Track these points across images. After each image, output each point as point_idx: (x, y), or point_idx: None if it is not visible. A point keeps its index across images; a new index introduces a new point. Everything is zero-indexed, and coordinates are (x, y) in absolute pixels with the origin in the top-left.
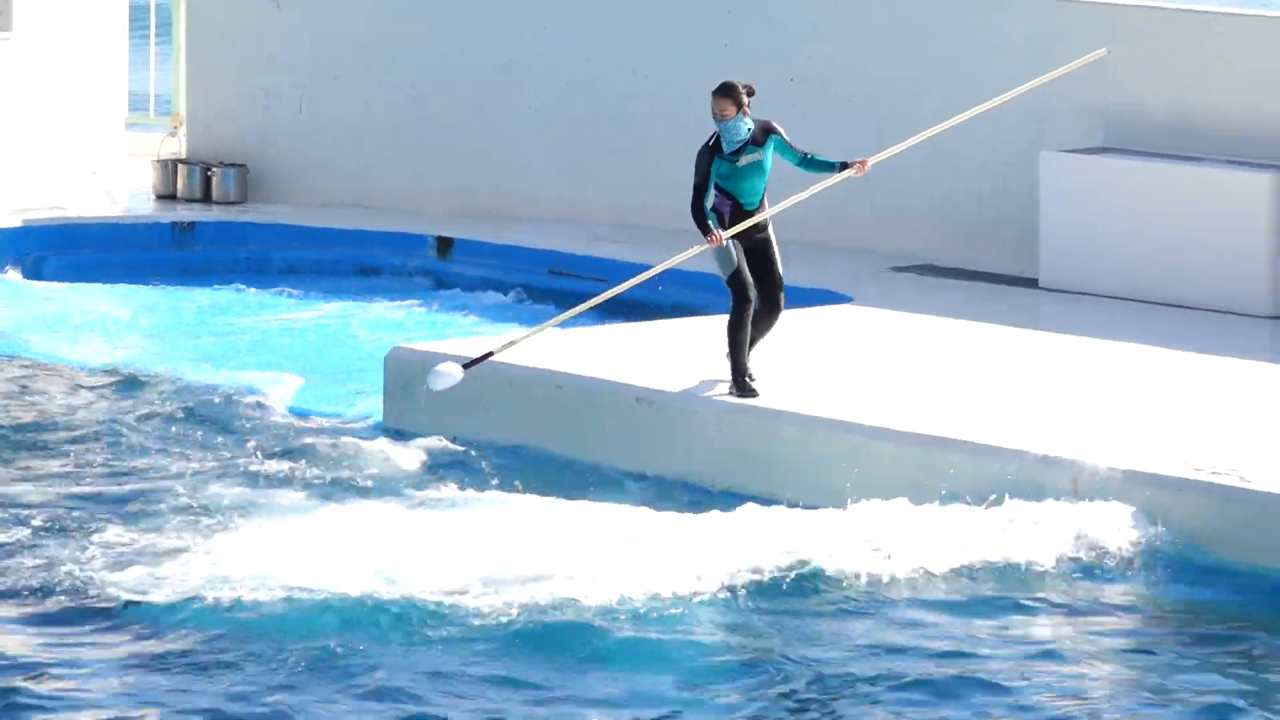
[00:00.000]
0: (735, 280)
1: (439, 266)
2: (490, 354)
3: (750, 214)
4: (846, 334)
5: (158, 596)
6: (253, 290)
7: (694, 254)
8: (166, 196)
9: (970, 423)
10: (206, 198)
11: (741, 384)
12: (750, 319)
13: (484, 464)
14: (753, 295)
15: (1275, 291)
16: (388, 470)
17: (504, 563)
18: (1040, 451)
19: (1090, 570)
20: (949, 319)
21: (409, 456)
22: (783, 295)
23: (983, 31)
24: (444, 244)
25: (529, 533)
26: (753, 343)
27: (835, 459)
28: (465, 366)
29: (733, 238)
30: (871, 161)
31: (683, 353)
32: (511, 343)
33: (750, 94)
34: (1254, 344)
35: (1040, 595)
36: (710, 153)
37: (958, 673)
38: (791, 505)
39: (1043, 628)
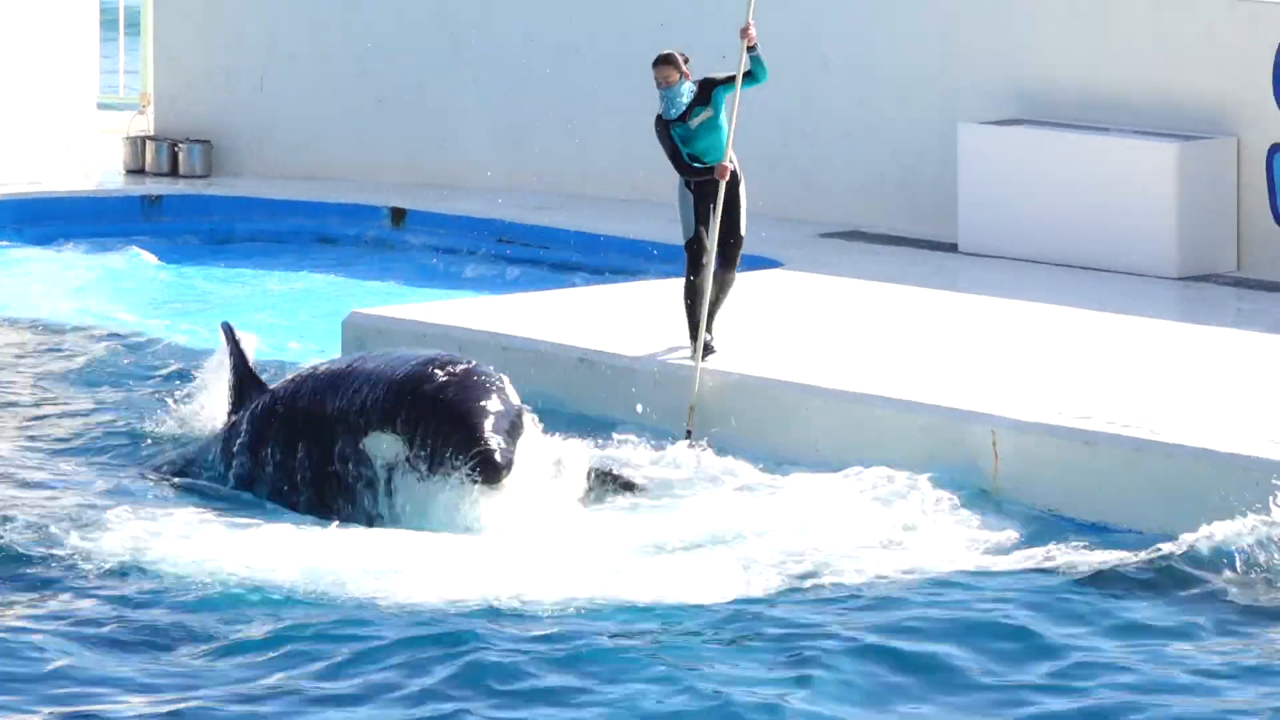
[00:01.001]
0: (691, 245)
1: (393, 235)
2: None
3: (721, 165)
4: (778, 298)
5: (112, 562)
6: (217, 260)
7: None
8: (136, 171)
9: (896, 380)
10: (174, 172)
11: (697, 345)
12: (705, 283)
13: None
14: (707, 262)
15: (1182, 254)
16: None
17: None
18: (963, 407)
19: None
20: (875, 282)
21: None
22: (739, 253)
23: (887, 7)
24: (397, 214)
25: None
26: (715, 304)
27: (765, 415)
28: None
29: (696, 199)
30: (751, 26)
31: (626, 315)
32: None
33: (686, 60)
34: (1163, 304)
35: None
36: (663, 122)
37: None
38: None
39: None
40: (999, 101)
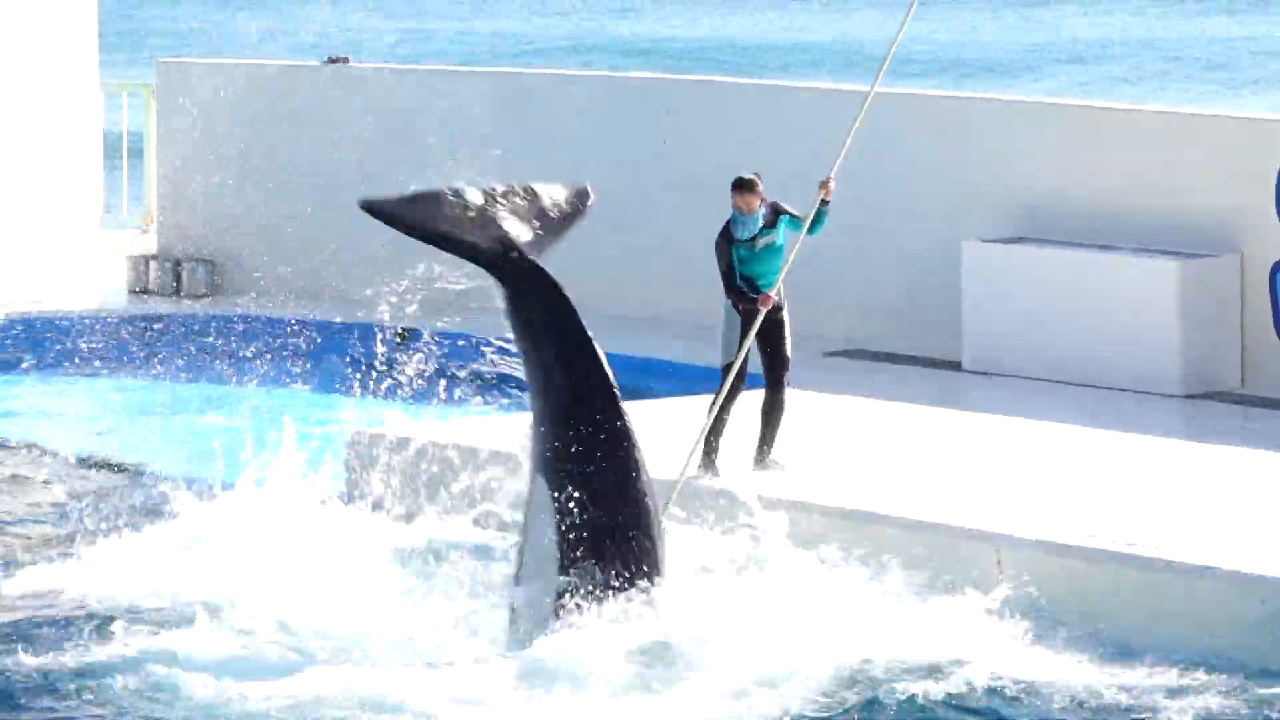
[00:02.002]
0: (728, 368)
1: (400, 354)
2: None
3: (766, 294)
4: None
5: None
6: (222, 379)
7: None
8: (139, 291)
9: (901, 499)
10: (177, 291)
11: (707, 457)
12: (726, 404)
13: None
14: (732, 386)
15: (1186, 372)
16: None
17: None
18: (967, 526)
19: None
20: (878, 400)
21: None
22: (785, 375)
23: (891, 127)
24: (405, 333)
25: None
26: (771, 427)
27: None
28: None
29: (743, 322)
30: (831, 181)
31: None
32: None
33: (760, 185)
34: (1167, 422)
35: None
36: (727, 243)
37: None
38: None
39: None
40: (1003, 219)
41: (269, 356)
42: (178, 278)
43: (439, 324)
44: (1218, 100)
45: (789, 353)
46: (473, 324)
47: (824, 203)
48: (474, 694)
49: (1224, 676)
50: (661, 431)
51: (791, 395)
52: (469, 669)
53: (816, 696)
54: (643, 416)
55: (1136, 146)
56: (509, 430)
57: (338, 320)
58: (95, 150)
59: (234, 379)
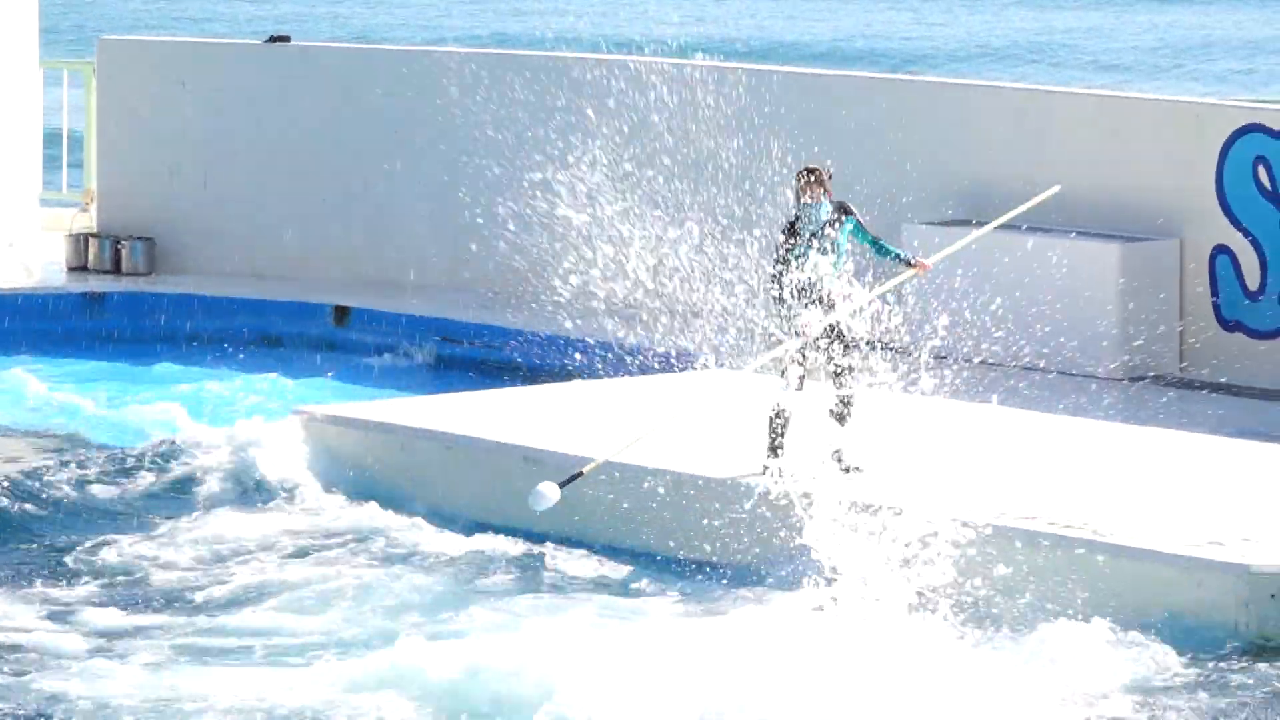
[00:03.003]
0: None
1: (336, 333)
2: (581, 473)
3: (827, 295)
4: (716, 396)
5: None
6: (160, 358)
7: (900, 282)
8: (78, 269)
9: (838, 479)
10: (116, 270)
11: (770, 461)
12: (785, 409)
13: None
14: (787, 397)
15: (1125, 355)
16: (287, 524)
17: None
18: (901, 504)
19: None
20: (813, 382)
21: (308, 511)
22: (850, 376)
23: (832, 109)
24: (341, 312)
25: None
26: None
27: (705, 515)
28: (561, 485)
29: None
30: (930, 262)
31: (572, 414)
32: (597, 463)
33: (830, 176)
34: (1105, 405)
35: None
36: (791, 234)
37: None
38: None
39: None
40: (943, 202)
41: (209, 335)
42: (117, 256)
43: (385, 304)
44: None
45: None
46: (414, 305)
47: (909, 264)
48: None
49: (1163, 657)
50: (600, 411)
51: (722, 375)
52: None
53: None
54: (583, 396)
55: (1077, 130)
56: (448, 410)
57: (278, 299)
58: (35, 128)
59: (173, 358)
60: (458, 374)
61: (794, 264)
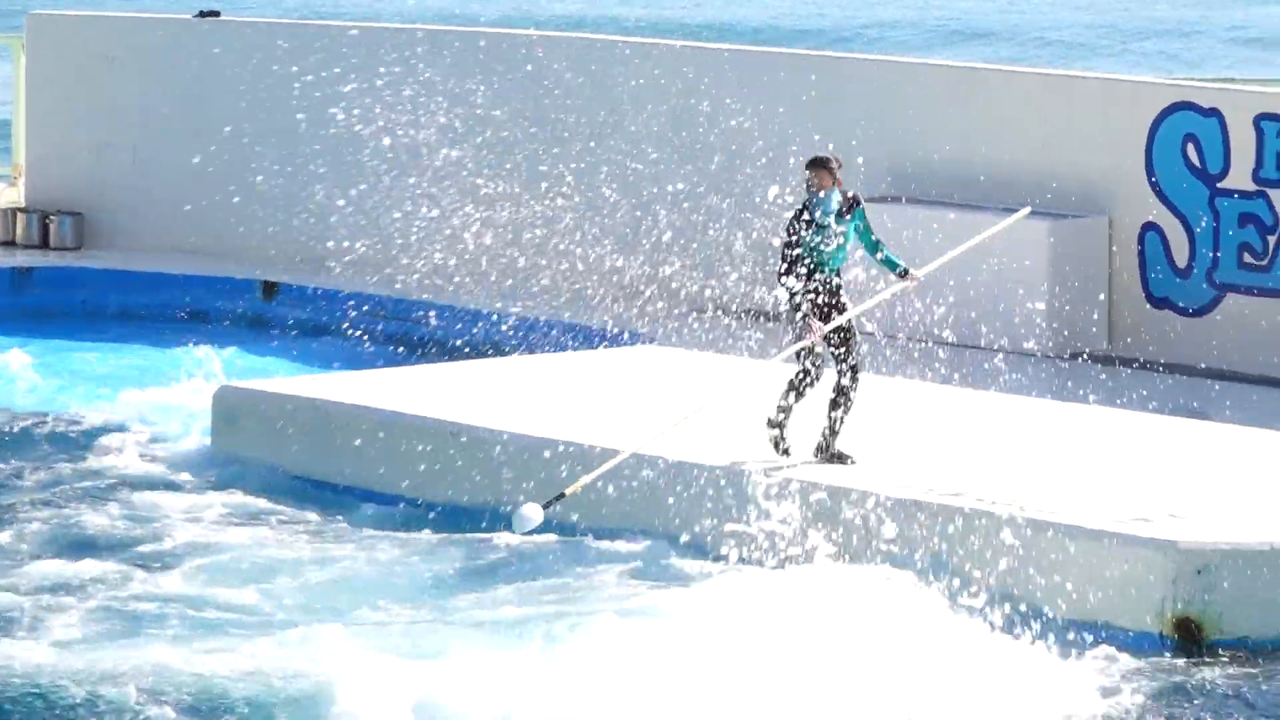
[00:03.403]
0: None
1: (265, 308)
2: (564, 494)
3: (832, 284)
4: (646, 372)
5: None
6: (88, 333)
7: (794, 348)
8: (5, 243)
9: (769, 455)
10: (44, 244)
11: (777, 444)
12: (798, 394)
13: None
14: (810, 379)
15: (1054, 332)
16: (215, 500)
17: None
18: (840, 484)
19: None
20: (746, 357)
21: (235, 488)
22: (858, 366)
23: (765, 87)
24: (269, 287)
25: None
26: (846, 411)
27: (635, 490)
28: (544, 507)
29: (815, 309)
30: (921, 275)
31: (499, 388)
32: (581, 483)
33: (839, 165)
34: (1034, 381)
35: None
36: (802, 223)
37: None
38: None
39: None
40: (876, 179)
41: (137, 310)
42: (45, 230)
43: (312, 280)
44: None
45: (857, 347)
46: (343, 280)
47: (904, 274)
48: None
49: (1089, 634)
50: (526, 387)
51: (656, 351)
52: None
53: None
54: (509, 372)
55: (1009, 108)
56: (376, 385)
57: (206, 274)
58: None
59: (101, 332)
60: (387, 349)
61: (804, 254)
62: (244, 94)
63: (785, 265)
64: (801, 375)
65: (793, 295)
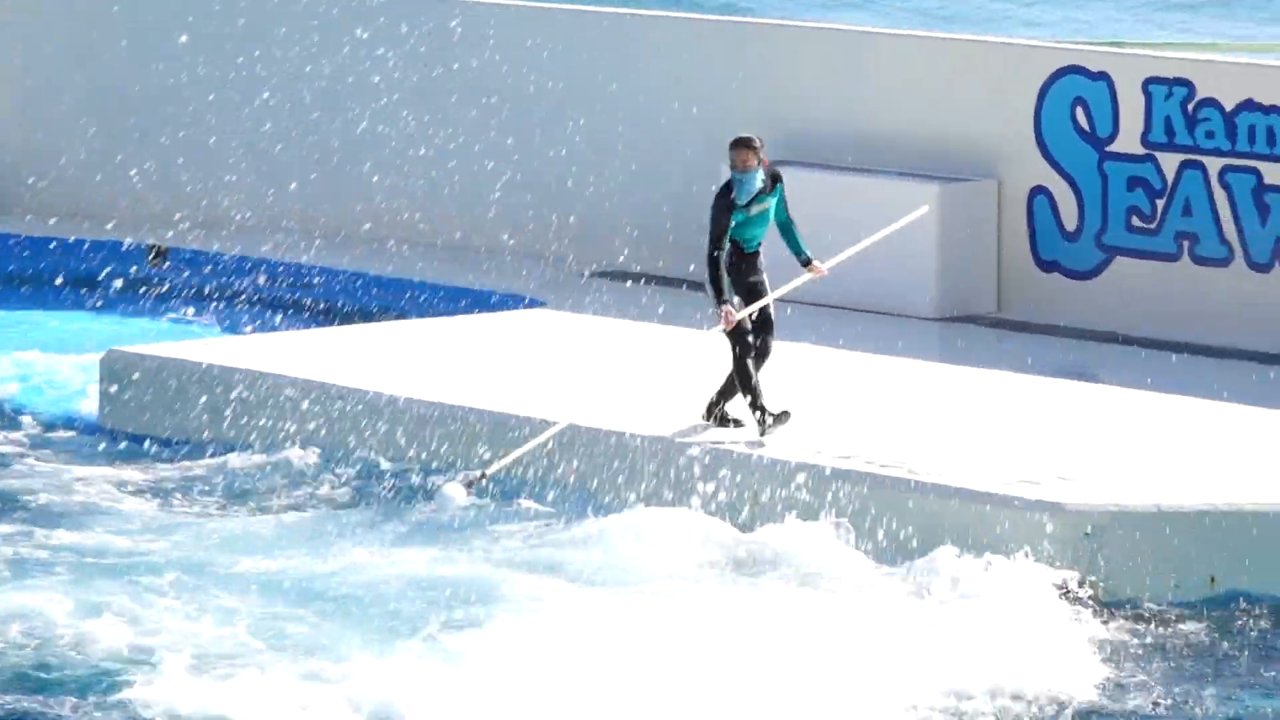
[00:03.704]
0: (736, 331)
1: (155, 273)
2: (485, 474)
3: (751, 257)
4: (537, 336)
5: None
6: None
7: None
8: None
9: (658, 420)
10: None
11: (764, 421)
12: (754, 362)
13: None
14: (753, 341)
15: (943, 295)
16: (105, 470)
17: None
18: (724, 447)
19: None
20: (639, 322)
21: (124, 456)
22: (772, 338)
23: (657, 50)
24: (158, 252)
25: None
26: (732, 387)
27: (527, 453)
28: (467, 486)
29: (732, 279)
30: (825, 267)
31: (390, 353)
32: (507, 457)
33: (762, 145)
34: (923, 345)
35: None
36: (729, 204)
37: None
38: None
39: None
40: (766, 142)
41: (25, 275)
42: None
43: (198, 244)
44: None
45: (773, 316)
46: (233, 244)
47: (807, 263)
48: None
49: (976, 594)
50: (416, 352)
51: (552, 315)
52: None
53: None
54: (399, 337)
55: (899, 71)
56: (265, 349)
57: (95, 238)
58: None
59: None
60: (277, 313)
61: (728, 234)
62: (132, 56)
63: (712, 246)
64: (741, 351)
65: (715, 279)
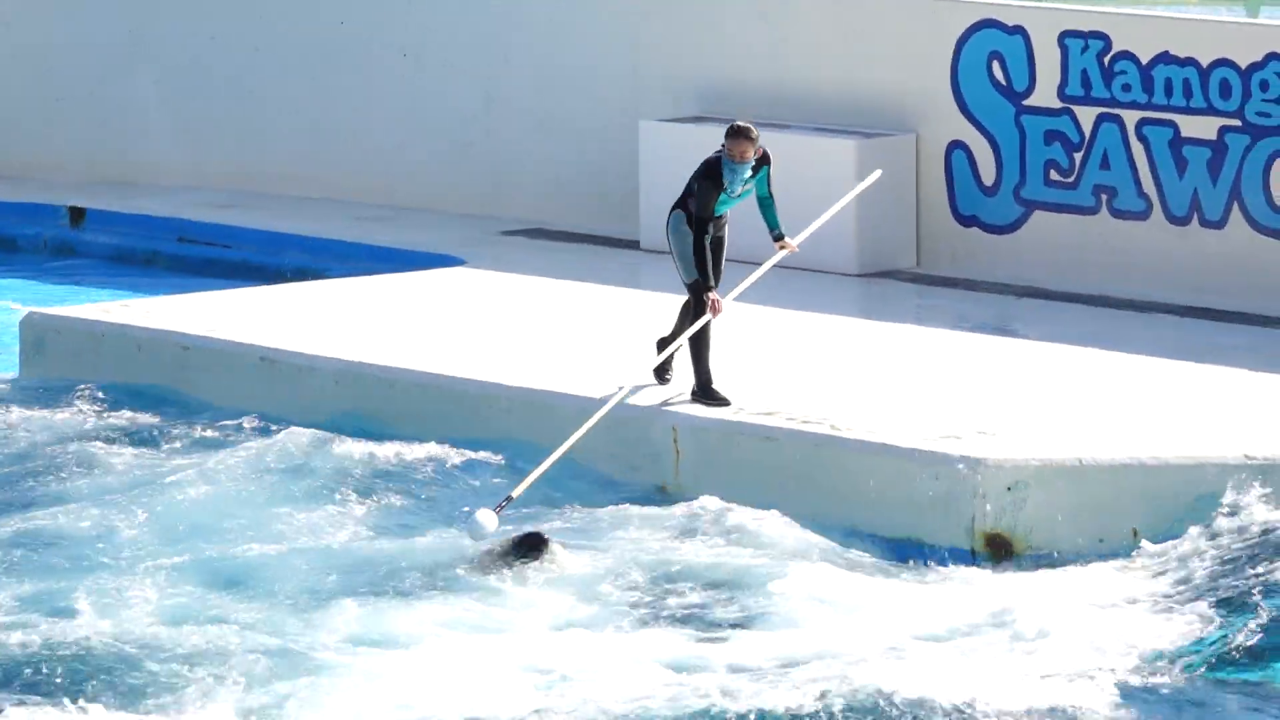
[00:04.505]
0: (698, 287)
1: (72, 235)
2: (510, 497)
3: (716, 221)
4: (460, 296)
5: None
6: None
7: (701, 324)
8: None
9: (577, 378)
10: None
11: (710, 391)
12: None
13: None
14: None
15: (862, 251)
16: (23, 426)
17: None
18: (645, 404)
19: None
20: (556, 279)
21: (44, 413)
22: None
23: (572, 5)
24: (76, 213)
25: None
26: (707, 347)
27: (450, 413)
28: (496, 511)
29: (697, 244)
30: (794, 243)
31: (309, 314)
32: (529, 480)
33: (757, 135)
34: (843, 301)
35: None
36: (716, 189)
37: None
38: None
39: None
40: (682, 99)
41: None
42: None
43: (116, 205)
44: None
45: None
46: (151, 205)
47: (779, 238)
48: None
49: (899, 551)
50: (337, 311)
51: (469, 273)
52: None
53: None
54: (320, 296)
55: (815, 26)
56: (185, 311)
57: (11, 200)
58: None
59: None
60: (196, 275)
61: (709, 214)
62: (48, 14)
63: (697, 229)
64: (705, 325)
65: (700, 265)
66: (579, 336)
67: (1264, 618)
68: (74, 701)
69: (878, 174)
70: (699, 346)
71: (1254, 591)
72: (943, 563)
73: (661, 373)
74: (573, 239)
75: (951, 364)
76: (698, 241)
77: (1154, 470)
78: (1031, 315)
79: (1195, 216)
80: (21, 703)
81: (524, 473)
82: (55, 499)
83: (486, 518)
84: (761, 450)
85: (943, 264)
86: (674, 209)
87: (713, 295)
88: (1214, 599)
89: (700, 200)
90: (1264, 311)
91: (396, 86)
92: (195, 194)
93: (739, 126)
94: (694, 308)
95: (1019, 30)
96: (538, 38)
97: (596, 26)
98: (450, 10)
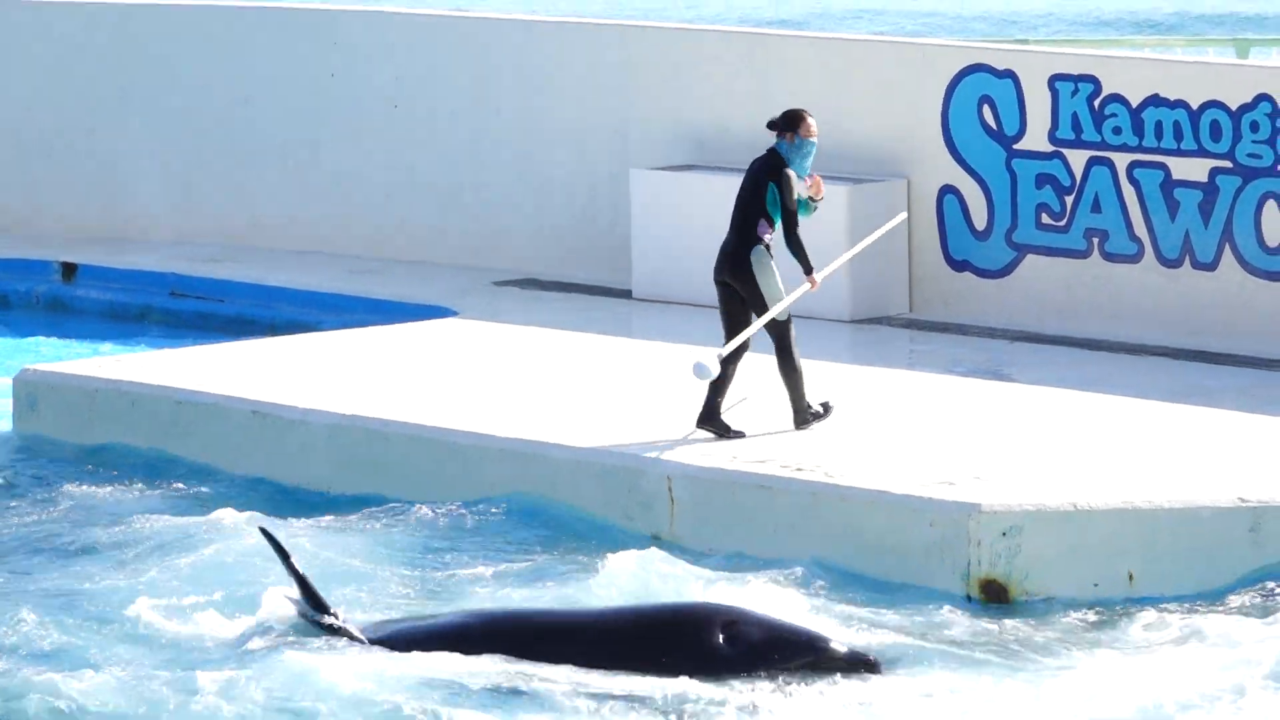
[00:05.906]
0: (784, 324)
1: (64, 291)
2: (721, 355)
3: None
4: (451, 346)
5: None
6: None
7: (799, 295)
8: None
9: (570, 428)
10: None
11: (806, 416)
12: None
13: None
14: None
15: (855, 297)
16: (17, 483)
17: None
18: (639, 454)
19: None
20: (548, 330)
21: (38, 471)
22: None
23: (561, 54)
24: (68, 269)
25: None
26: (728, 381)
27: (444, 466)
28: (718, 358)
29: (793, 231)
30: (819, 277)
31: (300, 367)
32: (745, 335)
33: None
34: (836, 347)
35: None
36: (790, 180)
37: None
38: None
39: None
40: (671, 147)
41: None
42: None
43: (108, 260)
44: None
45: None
46: (143, 260)
47: (808, 272)
48: None
49: (894, 598)
50: (329, 364)
51: (461, 324)
52: None
53: None
54: (309, 349)
55: (804, 73)
56: (178, 365)
57: (3, 257)
58: None
59: None
60: (188, 329)
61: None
62: (37, 72)
63: (793, 222)
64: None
65: (803, 250)
66: (572, 386)
67: (1265, 665)
68: None
69: (903, 216)
70: (794, 378)
71: (1251, 637)
72: (938, 608)
73: (725, 429)
74: (565, 289)
75: (945, 409)
76: (795, 239)
77: (1148, 514)
78: (1024, 359)
79: (1187, 259)
80: None
81: (518, 522)
82: (50, 556)
83: (710, 360)
84: (756, 498)
85: (935, 309)
86: (740, 249)
87: (815, 275)
88: (1210, 643)
89: (787, 195)
90: (1257, 353)
91: (387, 138)
92: (186, 247)
93: (798, 109)
94: (778, 351)
95: (1009, 74)
96: (527, 88)
97: (586, 76)
98: (440, 62)
